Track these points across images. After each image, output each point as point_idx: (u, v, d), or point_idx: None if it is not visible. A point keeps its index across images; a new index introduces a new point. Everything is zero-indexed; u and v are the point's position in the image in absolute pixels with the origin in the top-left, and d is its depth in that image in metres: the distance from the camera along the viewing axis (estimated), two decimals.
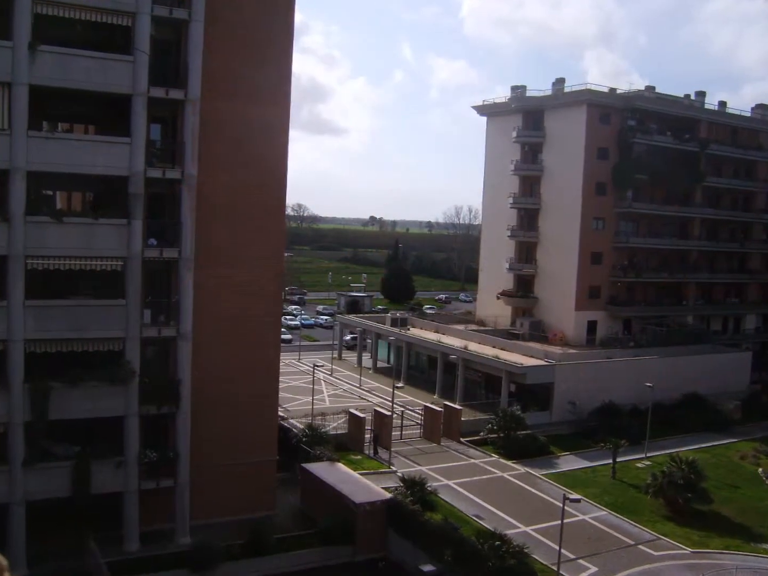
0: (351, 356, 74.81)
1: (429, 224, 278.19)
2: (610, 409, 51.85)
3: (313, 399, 50.66)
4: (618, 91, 68.54)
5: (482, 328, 71.24)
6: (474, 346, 60.16)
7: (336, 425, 48.03)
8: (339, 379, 65.56)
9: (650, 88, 71.88)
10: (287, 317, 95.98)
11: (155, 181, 29.35)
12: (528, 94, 71.73)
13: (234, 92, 32.08)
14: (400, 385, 49.86)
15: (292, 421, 48.01)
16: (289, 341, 78.18)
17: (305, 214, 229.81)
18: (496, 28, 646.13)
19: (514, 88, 73.56)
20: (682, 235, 73.07)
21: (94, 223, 28.27)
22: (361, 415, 46.23)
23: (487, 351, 58.77)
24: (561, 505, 28.78)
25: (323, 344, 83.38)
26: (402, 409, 51.54)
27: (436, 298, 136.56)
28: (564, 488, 39.50)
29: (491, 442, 47.46)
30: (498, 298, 72.97)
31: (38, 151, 27.05)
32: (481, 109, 76.36)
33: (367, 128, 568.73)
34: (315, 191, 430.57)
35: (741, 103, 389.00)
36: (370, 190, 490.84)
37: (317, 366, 54.51)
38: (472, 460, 45.05)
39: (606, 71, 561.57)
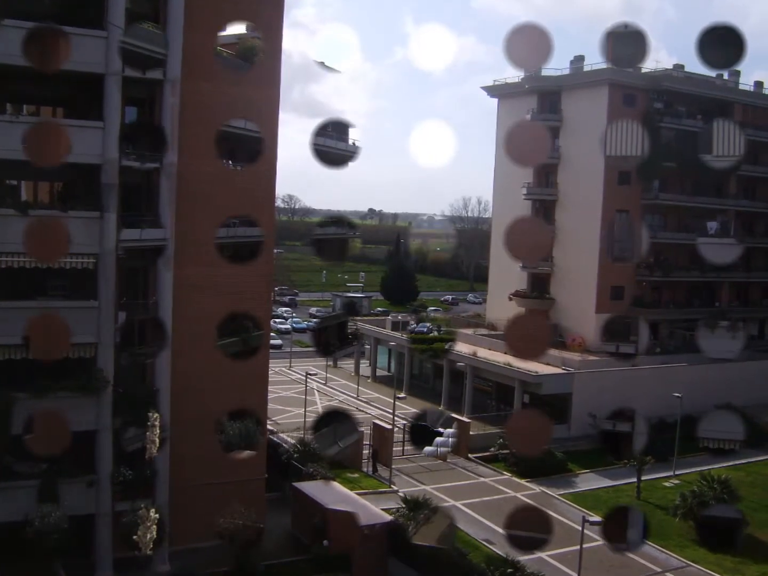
0: (347, 364, 74.80)
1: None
2: None
3: (305, 411, 50.68)
4: (643, 70, 68.54)
5: (493, 332, 71.17)
6: (484, 353, 60.19)
7: None
8: (334, 388, 65.61)
9: (679, 67, 71.88)
10: (277, 320, 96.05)
11: (131, 169, 29.36)
12: (543, 73, 71.67)
13: (218, 72, 32.03)
14: (401, 395, 49.89)
15: (282, 435, 48.09)
16: (279, 347, 78.20)
17: (297, 207, 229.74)
18: None
19: None
20: None
21: (63, 217, 28.21)
22: (359, 428, 46.23)
23: (499, 358, 58.67)
24: (580, 528, 28.78)
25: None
26: (404, 422, 51.56)
27: (442, 299, 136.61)
28: (583, 510, 39.56)
29: (503, 459, 47.50)
30: (510, 299, 72.91)
31: (1, 137, 26.98)
32: (492, 90, 76.39)
33: (365, 111, 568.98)
34: (308, 181, 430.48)
35: None
36: (368, 180, 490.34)
37: (310, 374, 54.50)
38: (482, 479, 45.10)
39: None
